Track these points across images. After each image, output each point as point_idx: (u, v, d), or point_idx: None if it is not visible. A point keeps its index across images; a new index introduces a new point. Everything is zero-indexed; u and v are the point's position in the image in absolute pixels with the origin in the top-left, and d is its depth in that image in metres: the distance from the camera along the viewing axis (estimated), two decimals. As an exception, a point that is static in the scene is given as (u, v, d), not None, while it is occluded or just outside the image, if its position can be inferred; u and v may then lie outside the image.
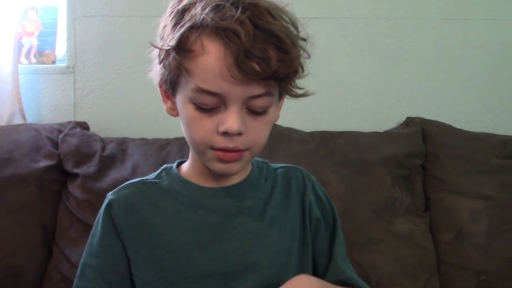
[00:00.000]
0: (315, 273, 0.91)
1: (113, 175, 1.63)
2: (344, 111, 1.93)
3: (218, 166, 0.81)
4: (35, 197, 1.62)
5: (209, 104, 0.75)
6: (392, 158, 1.69)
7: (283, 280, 0.82)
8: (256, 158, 0.94)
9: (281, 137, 1.72)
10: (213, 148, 0.79)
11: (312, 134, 1.75)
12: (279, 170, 0.94)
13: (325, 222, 0.92)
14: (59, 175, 1.69)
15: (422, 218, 1.67)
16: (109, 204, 0.89)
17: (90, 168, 1.66)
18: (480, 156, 1.71)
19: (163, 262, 0.83)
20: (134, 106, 1.81)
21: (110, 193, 0.91)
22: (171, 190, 0.88)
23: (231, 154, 0.79)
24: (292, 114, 1.88)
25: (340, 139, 1.72)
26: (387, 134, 1.78)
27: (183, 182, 0.89)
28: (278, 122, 1.78)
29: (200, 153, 0.83)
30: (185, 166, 0.92)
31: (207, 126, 0.76)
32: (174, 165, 0.93)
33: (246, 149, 0.80)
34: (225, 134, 0.76)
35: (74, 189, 1.65)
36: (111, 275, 0.87)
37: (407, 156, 1.71)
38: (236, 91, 0.73)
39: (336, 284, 0.86)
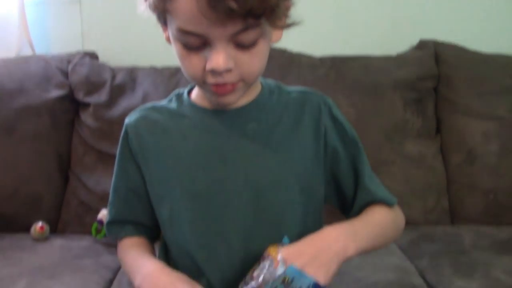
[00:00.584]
0: (343, 199, 0.91)
1: (124, 103, 1.64)
2: (355, 35, 1.89)
3: (215, 99, 0.82)
4: (48, 126, 1.65)
5: (194, 44, 0.74)
6: (404, 81, 1.67)
7: (284, 204, 0.85)
8: (269, 81, 0.93)
9: (291, 62, 1.70)
10: (205, 83, 0.79)
11: (322, 59, 1.73)
12: (293, 94, 0.91)
13: (345, 145, 0.89)
14: (71, 104, 1.70)
15: (433, 140, 1.67)
16: (125, 129, 0.91)
17: (101, 97, 1.67)
18: (493, 77, 1.68)
19: (169, 181, 0.87)
20: (142, 34, 1.77)
21: (127, 117, 0.93)
22: (179, 113, 0.88)
23: (224, 87, 0.78)
24: (302, 38, 1.84)
25: (351, 63, 1.70)
26: (399, 58, 1.75)
27: (191, 105, 0.89)
28: (288, 47, 1.79)
29: (197, 85, 0.85)
30: (194, 91, 0.92)
31: (196, 63, 0.76)
32: (186, 89, 0.93)
33: (240, 81, 0.80)
34: (213, 71, 0.75)
35: (86, 118, 1.67)
36: (126, 193, 0.92)
37: (419, 79, 1.69)
38: (217, 31, 0.72)
39: (368, 206, 0.88)
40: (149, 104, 0.93)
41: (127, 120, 0.92)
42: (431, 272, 1.26)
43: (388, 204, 0.90)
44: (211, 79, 0.77)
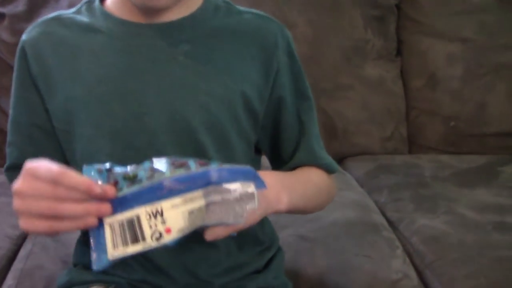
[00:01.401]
0: (277, 151, 0.77)
1: (45, 14, 1.40)
2: None
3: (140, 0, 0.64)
4: (-45, 40, 1.41)
5: None
6: (365, -4, 1.52)
7: (217, 145, 0.70)
8: None
9: (241, -29, 1.50)
10: None
11: (276, -32, 1.53)
12: (245, 16, 0.74)
13: (296, 91, 0.74)
14: (-18, 15, 1.46)
15: (394, 63, 1.56)
16: (22, 47, 0.71)
17: (17, 7, 1.44)
18: (461, -6, 1.56)
19: (79, 114, 0.69)
20: None
21: (24, 33, 0.73)
22: (90, 27, 0.70)
23: None
24: None
25: (307, -26, 1.52)
26: (361, -31, 1.58)
27: (106, 16, 0.70)
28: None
29: None
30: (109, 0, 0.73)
31: None
32: None
33: None
34: None
35: (1, 31, 1.45)
36: (29, 129, 0.73)
37: (382, -6, 1.54)
38: None
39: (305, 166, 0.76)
40: (53, 15, 0.74)
41: (25, 36, 0.72)
42: (391, 208, 1.18)
43: (328, 171, 0.78)
44: None
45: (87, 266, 0.74)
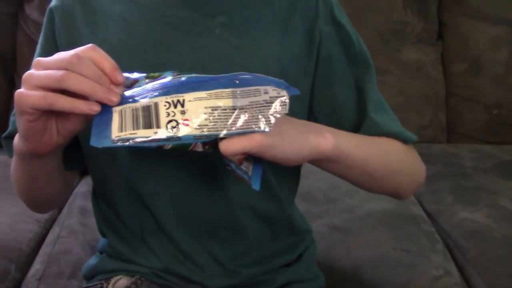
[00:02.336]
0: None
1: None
2: None
3: None
4: (-15, 20, 1.40)
5: None
6: (405, -25, 1.45)
7: None
8: None
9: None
10: None
11: None
12: None
13: (348, 59, 0.67)
14: (12, -6, 1.44)
15: (434, 47, 1.49)
16: (50, 12, 0.67)
17: (48, -15, 1.41)
18: (507, -27, 1.47)
19: None
20: None
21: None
22: None
23: None
24: None
25: (345, -48, 1.46)
26: None
27: None
28: None
29: None
30: None
31: None
32: None
33: None
34: None
35: (32, 11, 1.43)
36: None
37: (423, -27, 1.47)
38: None
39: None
40: None
41: (55, 1, 0.68)
42: (430, 199, 1.13)
43: (402, 139, 0.69)
44: None
45: (111, 254, 0.72)
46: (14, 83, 1.44)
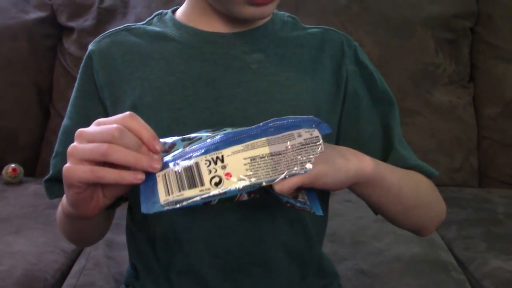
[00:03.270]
0: None
1: (113, 28, 1.43)
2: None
3: (250, 11, 0.63)
4: (26, 53, 1.47)
5: None
6: (437, 18, 1.45)
7: None
8: (281, 12, 0.74)
9: (308, -10, 1.47)
10: None
11: (344, -13, 1.49)
12: (310, 30, 0.73)
13: (372, 97, 0.71)
14: (53, 29, 1.51)
15: (466, 89, 1.47)
16: (89, 56, 0.70)
17: (87, 21, 1.47)
18: (541, 18, 1.46)
19: (148, 122, 0.66)
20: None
21: (91, 43, 0.72)
22: (162, 35, 0.70)
23: None
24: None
25: (377, -6, 1.47)
26: (433, -10, 1.52)
27: (177, 25, 0.70)
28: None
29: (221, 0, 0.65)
30: (180, 10, 0.72)
31: None
32: (170, 10, 0.74)
33: None
34: None
35: (70, 45, 1.49)
36: None
37: (455, 17, 1.47)
38: None
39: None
40: (122, 26, 0.73)
41: (93, 45, 0.71)
42: (461, 245, 1.09)
43: (426, 173, 0.71)
44: None
45: None
46: (49, 114, 1.48)
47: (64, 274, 1.00)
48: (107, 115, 0.68)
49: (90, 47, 0.71)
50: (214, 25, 0.68)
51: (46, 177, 0.70)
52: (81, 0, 1.48)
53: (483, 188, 1.41)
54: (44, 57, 1.49)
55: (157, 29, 0.71)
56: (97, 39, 0.72)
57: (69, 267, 1.02)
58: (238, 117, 0.65)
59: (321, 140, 0.52)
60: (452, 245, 1.10)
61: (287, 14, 0.74)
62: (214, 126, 0.61)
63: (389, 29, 1.44)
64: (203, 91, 0.66)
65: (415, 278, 0.96)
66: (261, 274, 0.68)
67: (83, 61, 0.71)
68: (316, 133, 0.52)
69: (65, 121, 0.71)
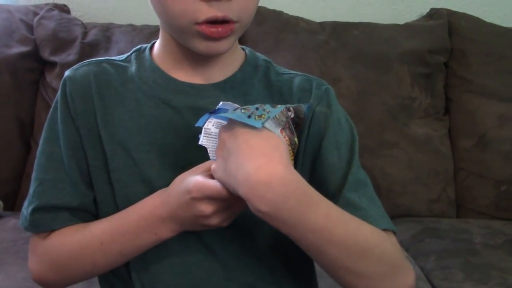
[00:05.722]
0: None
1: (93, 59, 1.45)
2: (360, 0, 1.69)
3: (205, 45, 0.64)
4: (8, 87, 1.46)
5: None
6: (412, 53, 1.50)
7: None
8: (258, 54, 0.75)
9: (287, 26, 1.51)
10: (197, 22, 0.62)
11: (323, 24, 1.54)
12: (284, 76, 0.73)
13: (336, 142, 0.68)
14: (35, 63, 1.51)
15: (442, 122, 1.51)
16: (64, 82, 0.70)
17: (69, 56, 1.48)
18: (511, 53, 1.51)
19: (117, 160, 0.68)
20: (120, -14, 1.58)
21: (69, 69, 0.72)
22: (136, 77, 0.71)
23: (220, 28, 0.62)
24: (301, 1, 1.67)
25: (354, 31, 1.52)
26: (408, 27, 1.57)
27: (153, 69, 0.71)
28: (285, 10, 1.60)
29: (180, 31, 0.65)
30: (156, 49, 0.73)
31: None
32: (148, 46, 0.74)
33: (237, 21, 0.63)
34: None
35: (52, 79, 1.49)
36: (69, 165, 0.69)
37: (430, 52, 1.52)
38: None
39: None
40: (103, 58, 0.73)
41: (69, 72, 0.71)
42: (439, 276, 1.11)
43: (382, 228, 0.63)
44: (207, 12, 0.62)
45: None
46: (30, 147, 1.48)
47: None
48: (82, 145, 0.69)
49: (66, 73, 0.71)
50: (185, 73, 0.70)
51: (31, 208, 0.68)
52: (64, 35, 1.49)
53: (460, 219, 1.43)
54: (26, 91, 1.49)
55: (134, 69, 0.71)
56: (75, 66, 0.72)
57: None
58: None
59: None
60: (431, 275, 1.11)
61: (262, 57, 0.75)
62: (180, 171, 0.63)
63: (366, 64, 1.48)
64: (172, 137, 0.68)
65: (395, 309, 0.96)
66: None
67: (61, 87, 0.70)
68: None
69: (42, 148, 0.70)
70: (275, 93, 0.71)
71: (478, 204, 1.45)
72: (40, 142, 0.71)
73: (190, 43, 0.65)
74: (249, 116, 0.56)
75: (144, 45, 0.75)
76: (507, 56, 1.51)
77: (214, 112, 0.61)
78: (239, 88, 0.71)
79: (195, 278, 0.68)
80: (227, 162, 0.56)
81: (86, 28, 1.52)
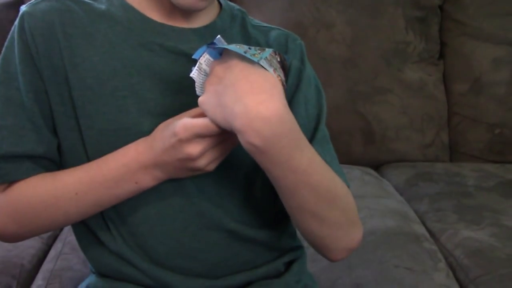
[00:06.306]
0: None
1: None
2: None
3: (186, 1, 0.61)
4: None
5: None
6: (407, -4, 1.46)
7: (241, 159, 0.64)
8: (232, 4, 0.73)
9: (279, -30, 1.46)
10: None
11: (314, -33, 1.49)
12: (258, 29, 0.72)
13: (305, 97, 0.68)
14: None
15: (436, 66, 1.49)
16: (22, 18, 0.63)
17: None
18: (508, -5, 1.49)
19: (88, 106, 0.62)
20: None
21: (26, 4, 0.64)
22: (108, 15, 0.65)
23: None
24: None
25: (347, -27, 1.48)
26: (403, -32, 1.52)
27: (126, 8, 0.65)
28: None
29: None
30: None
31: None
32: None
33: None
34: None
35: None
36: (32, 109, 0.63)
37: (424, -6, 1.48)
38: None
39: None
40: None
41: (29, 7, 0.64)
42: (432, 218, 1.12)
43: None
44: None
45: (102, 273, 0.71)
46: None
47: (40, 259, 1.00)
48: (45, 88, 0.63)
49: (23, 8, 0.64)
50: (163, 15, 0.66)
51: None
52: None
53: (454, 163, 1.44)
54: None
55: (103, 7, 0.66)
56: (33, 1, 0.65)
57: (46, 252, 1.01)
58: (183, 111, 0.62)
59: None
60: (425, 217, 1.13)
61: (237, 7, 0.72)
62: (158, 118, 0.61)
63: (360, 9, 1.45)
64: (149, 81, 0.64)
65: (389, 250, 0.98)
66: (207, 259, 0.67)
67: (16, 25, 0.63)
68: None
69: (0, 90, 0.64)
70: (253, 45, 0.68)
71: (471, 148, 1.46)
72: None
73: None
74: (245, 52, 0.55)
75: None
76: (503, -3, 1.48)
77: (211, 44, 0.58)
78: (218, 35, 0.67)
79: (173, 229, 0.65)
80: (222, 95, 0.54)
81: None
